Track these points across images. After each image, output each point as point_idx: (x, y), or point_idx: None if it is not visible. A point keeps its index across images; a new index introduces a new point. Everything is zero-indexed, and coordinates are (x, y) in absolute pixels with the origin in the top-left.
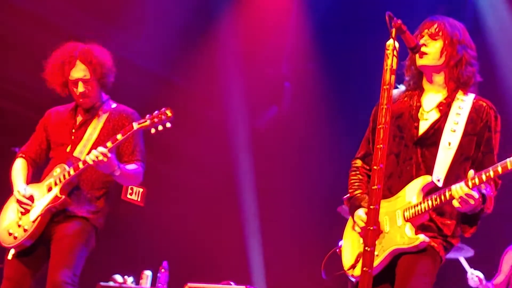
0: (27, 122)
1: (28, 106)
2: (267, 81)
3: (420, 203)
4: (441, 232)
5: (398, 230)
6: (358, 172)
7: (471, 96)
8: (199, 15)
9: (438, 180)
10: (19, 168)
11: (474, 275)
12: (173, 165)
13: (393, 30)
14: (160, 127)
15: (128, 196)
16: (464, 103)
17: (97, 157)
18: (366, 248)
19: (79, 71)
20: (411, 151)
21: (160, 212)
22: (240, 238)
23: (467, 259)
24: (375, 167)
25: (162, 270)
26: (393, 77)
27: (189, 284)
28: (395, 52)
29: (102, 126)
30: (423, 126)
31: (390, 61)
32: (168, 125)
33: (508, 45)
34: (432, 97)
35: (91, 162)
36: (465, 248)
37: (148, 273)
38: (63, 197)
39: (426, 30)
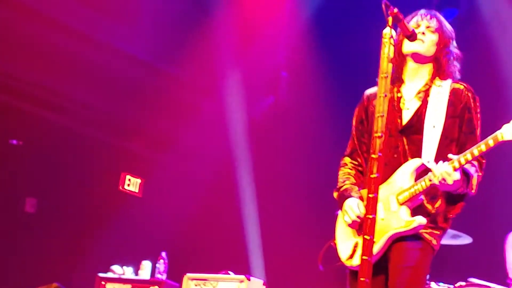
0: (23, 116)
1: (26, 100)
2: (263, 70)
3: (413, 186)
4: (432, 218)
5: (394, 214)
6: (346, 167)
7: (448, 81)
8: (195, 4)
9: (428, 162)
10: None
11: None
12: (170, 155)
13: (390, 19)
14: None
15: (126, 187)
16: (442, 88)
17: None
18: (366, 236)
19: None
20: (396, 140)
21: (159, 203)
22: (239, 228)
23: (464, 246)
24: (373, 156)
25: (161, 260)
26: (390, 65)
27: (188, 274)
28: (391, 41)
29: None
30: (406, 115)
31: (387, 50)
32: None
33: (503, 35)
34: (412, 86)
35: None
36: (463, 236)
37: (147, 264)
38: None
39: (425, 22)
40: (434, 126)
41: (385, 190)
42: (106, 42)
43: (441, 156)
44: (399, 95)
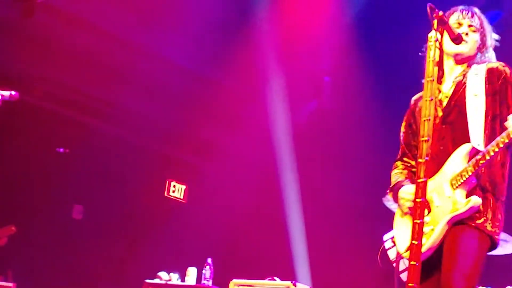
0: (70, 124)
1: (72, 108)
2: (306, 76)
3: (466, 168)
4: (486, 198)
5: (449, 199)
6: (397, 168)
7: (484, 64)
8: (238, 11)
9: (478, 145)
10: None
11: None
12: (215, 162)
13: (435, 22)
14: None
15: (171, 193)
16: (478, 70)
17: None
18: (413, 241)
19: None
20: (440, 132)
21: (204, 209)
22: (284, 234)
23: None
24: (420, 160)
25: (207, 266)
26: (436, 68)
27: (234, 280)
28: (437, 44)
29: None
30: (445, 103)
31: (433, 53)
32: None
33: None
34: (449, 79)
35: None
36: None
37: (193, 270)
38: None
39: (467, 21)
40: (476, 108)
41: (437, 180)
42: (151, 51)
43: (488, 135)
44: (438, 92)
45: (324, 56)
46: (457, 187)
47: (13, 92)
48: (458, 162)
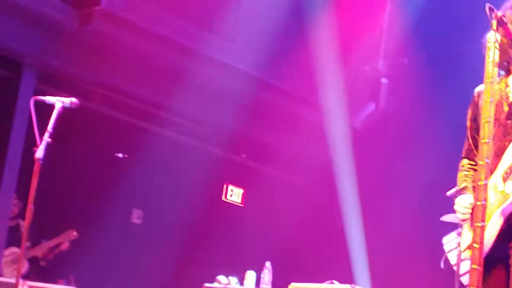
0: (129, 129)
1: (131, 113)
2: (363, 78)
3: None
4: None
5: (502, 193)
6: (463, 169)
7: None
8: (294, 15)
9: None
10: None
11: None
12: (273, 165)
13: (494, 22)
14: None
15: (229, 197)
16: None
17: None
18: (474, 244)
19: None
20: (506, 128)
21: (262, 213)
22: (343, 237)
23: None
24: (480, 162)
25: (266, 270)
26: (495, 69)
27: (293, 284)
28: (496, 45)
29: None
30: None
31: (492, 54)
32: None
33: None
34: None
35: None
36: None
37: (251, 274)
38: None
39: None
40: None
41: (494, 178)
42: (209, 55)
43: None
44: (506, 85)
45: (381, 58)
46: (506, 179)
47: (73, 99)
48: (510, 155)
